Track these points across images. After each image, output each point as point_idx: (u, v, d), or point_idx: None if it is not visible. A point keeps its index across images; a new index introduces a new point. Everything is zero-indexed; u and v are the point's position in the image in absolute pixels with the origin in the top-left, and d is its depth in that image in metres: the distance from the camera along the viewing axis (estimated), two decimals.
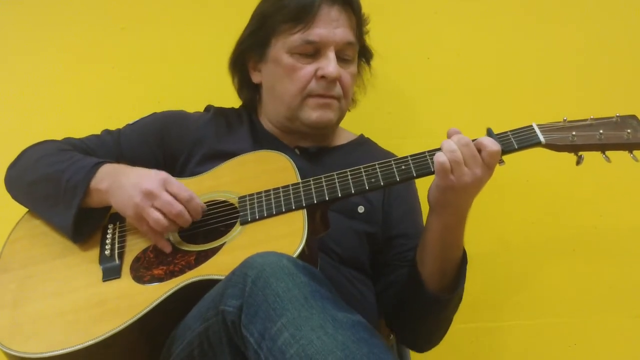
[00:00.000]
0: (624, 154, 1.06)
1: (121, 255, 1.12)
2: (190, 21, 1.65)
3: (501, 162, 1.06)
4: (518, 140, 1.06)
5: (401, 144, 1.42)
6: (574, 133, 1.06)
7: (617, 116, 1.07)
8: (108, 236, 1.15)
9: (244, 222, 1.10)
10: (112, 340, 0.98)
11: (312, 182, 1.11)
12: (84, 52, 1.64)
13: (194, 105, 1.40)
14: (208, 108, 1.40)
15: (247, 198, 1.13)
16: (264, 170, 1.19)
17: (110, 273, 1.09)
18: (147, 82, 1.64)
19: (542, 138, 1.06)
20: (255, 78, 1.34)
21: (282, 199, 1.11)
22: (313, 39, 1.23)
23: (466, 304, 1.27)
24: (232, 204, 1.15)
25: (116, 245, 1.14)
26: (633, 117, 1.08)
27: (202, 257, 1.07)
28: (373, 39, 1.37)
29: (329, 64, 1.23)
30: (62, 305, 1.05)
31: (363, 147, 1.39)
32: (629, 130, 1.05)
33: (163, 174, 1.10)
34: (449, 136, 1.06)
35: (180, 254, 1.10)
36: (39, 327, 1.02)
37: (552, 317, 1.64)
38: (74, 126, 1.37)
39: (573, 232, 1.63)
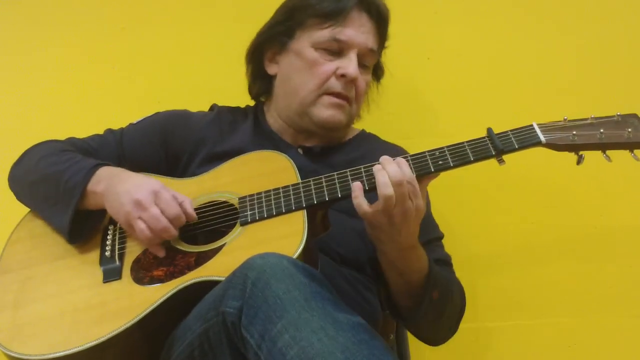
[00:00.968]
0: (624, 153, 1.06)
1: (121, 257, 1.12)
2: (190, 21, 1.65)
3: (502, 161, 1.06)
4: (518, 139, 1.06)
5: (401, 144, 1.42)
6: (574, 132, 1.05)
7: (618, 115, 1.07)
8: (108, 237, 1.16)
9: (244, 223, 1.10)
10: (112, 342, 0.98)
11: (312, 183, 1.11)
12: (84, 52, 1.64)
13: (194, 105, 1.40)
14: (212, 107, 1.40)
15: (247, 199, 1.13)
16: (264, 171, 1.19)
17: (111, 274, 1.09)
18: (147, 82, 1.64)
19: (542, 137, 1.06)
20: (271, 69, 1.34)
21: (282, 199, 1.11)
22: (341, 38, 1.24)
23: (466, 304, 1.27)
24: (232, 205, 1.15)
25: (116, 247, 1.14)
26: (634, 115, 1.08)
27: (202, 258, 1.07)
28: None
29: (351, 64, 1.24)
30: (63, 307, 1.05)
31: (366, 142, 1.39)
32: (629, 130, 1.04)
33: (156, 185, 1.10)
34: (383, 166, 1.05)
35: (180, 254, 1.10)
36: (40, 328, 1.02)
37: (552, 317, 1.63)
38: (75, 126, 1.37)
39: (573, 232, 1.63)
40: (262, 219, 1.10)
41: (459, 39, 1.65)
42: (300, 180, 1.13)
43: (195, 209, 1.13)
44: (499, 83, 1.65)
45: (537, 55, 1.64)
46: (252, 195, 1.13)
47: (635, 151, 1.06)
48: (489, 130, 1.08)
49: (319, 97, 1.26)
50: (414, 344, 1.42)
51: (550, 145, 1.06)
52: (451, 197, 1.54)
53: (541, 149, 1.08)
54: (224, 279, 0.94)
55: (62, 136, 1.31)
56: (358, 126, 1.43)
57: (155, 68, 1.64)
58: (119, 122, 1.35)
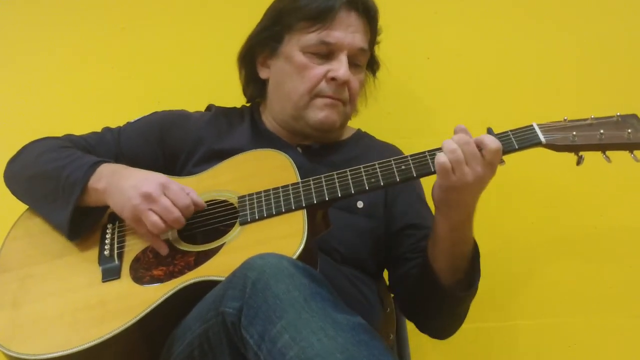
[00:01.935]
0: (624, 154, 1.06)
1: (120, 256, 1.12)
2: (190, 21, 1.65)
3: (501, 162, 1.06)
4: (518, 140, 1.06)
5: (401, 144, 1.42)
6: (574, 133, 1.05)
7: (618, 115, 1.07)
8: (107, 236, 1.15)
9: (243, 223, 1.10)
10: (111, 342, 0.98)
11: (311, 182, 1.11)
12: (84, 52, 1.64)
13: (193, 105, 1.40)
14: (210, 107, 1.40)
15: (247, 198, 1.13)
16: (263, 170, 1.19)
17: (110, 274, 1.09)
18: (147, 82, 1.64)
19: (542, 138, 1.05)
20: (263, 74, 1.34)
21: (281, 199, 1.10)
22: (329, 40, 1.23)
23: None
24: (231, 204, 1.15)
25: (115, 246, 1.14)
26: (634, 116, 1.07)
27: (202, 257, 1.07)
28: None
29: (341, 67, 1.23)
30: (62, 306, 1.05)
31: (363, 142, 1.39)
32: (629, 130, 1.04)
33: (162, 178, 1.10)
34: (455, 132, 1.06)
35: (179, 254, 1.10)
36: (39, 328, 1.02)
37: (552, 317, 1.63)
38: (74, 126, 1.37)
39: (573, 232, 1.63)
40: (261, 218, 1.10)
41: (459, 39, 1.65)
42: (299, 179, 1.13)
43: None
44: (499, 83, 1.65)
45: (537, 55, 1.64)
46: (252, 194, 1.13)
47: (635, 152, 1.05)
48: (489, 130, 1.08)
49: (311, 100, 1.26)
50: (414, 344, 1.42)
51: (550, 146, 1.06)
52: None
53: (541, 149, 1.07)
54: (223, 279, 0.94)
55: (60, 135, 1.31)
56: (357, 124, 1.43)
57: (155, 68, 1.64)
58: (118, 122, 1.35)
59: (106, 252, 1.12)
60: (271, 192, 1.12)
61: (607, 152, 1.06)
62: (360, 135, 1.42)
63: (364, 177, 1.09)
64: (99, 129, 1.34)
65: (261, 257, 0.90)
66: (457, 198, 1.05)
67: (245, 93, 1.41)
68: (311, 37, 1.24)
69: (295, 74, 1.26)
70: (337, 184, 1.10)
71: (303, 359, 0.77)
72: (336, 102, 1.26)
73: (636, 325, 1.62)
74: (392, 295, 1.33)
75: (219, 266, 1.04)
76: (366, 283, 1.26)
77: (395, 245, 1.27)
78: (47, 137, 1.29)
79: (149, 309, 1.00)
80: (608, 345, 1.63)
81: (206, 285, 0.98)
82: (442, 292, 1.13)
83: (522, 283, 1.64)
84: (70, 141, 1.27)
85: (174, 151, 1.28)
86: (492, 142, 1.02)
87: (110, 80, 1.63)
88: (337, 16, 1.23)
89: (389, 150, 1.39)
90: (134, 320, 0.99)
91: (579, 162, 1.07)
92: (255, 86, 1.37)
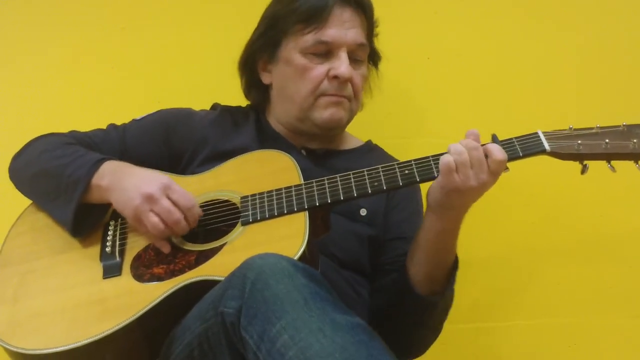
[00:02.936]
0: None
1: (122, 253, 1.12)
2: (190, 21, 1.65)
3: (506, 169, 1.05)
4: (523, 147, 1.06)
5: (401, 144, 1.42)
6: (579, 142, 1.05)
7: (624, 125, 1.06)
8: (109, 233, 1.16)
9: (245, 223, 1.10)
10: (111, 339, 0.98)
11: (314, 184, 1.11)
12: (84, 52, 1.64)
13: (193, 105, 1.40)
14: (215, 106, 1.40)
15: (249, 198, 1.13)
16: (266, 170, 1.19)
17: (111, 270, 1.09)
18: (147, 82, 1.64)
19: (547, 146, 1.05)
20: (266, 79, 1.34)
21: (284, 200, 1.10)
22: (325, 39, 1.23)
23: (466, 304, 1.27)
24: (234, 204, 1.15)
25: (117, 243, 1.14)
26: (639, 126, 1.07)
27: (203, 257, 1.07)
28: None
29: (342, 64, 1.23)
30: (63, 302, 1.05)
31: (371, 154, 1.38)
32: (635, 140, 1.03)
33: (165, 179, 1.10)
34: (467, 136, 1.05)
35: (181, 253, 1.10)
36: (39, 323, 1.03)
37: (552, 317, 1.63)
38: (74, 126, 1.36)
39: (573, 232, 1.63)
40: (263, 219, 1.10)
41: (459, 39, 1.65)
42: (302, 181, 1.13)
43: None
44: (499, 83, 1.65)
45: (537, 54, 1.64)
46: (254, 195, 1.13)
47: None
48: (494, 136, 1.08)
49: (316, 100, 1.26)
50: None
51: (555, 154, 1.06)
52: None
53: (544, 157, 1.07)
54: (223, 279, 0.94)
55: None
56: (357, 124, 1.42)
57: (155, 68, 1.64)
58: (119, 122, 1.35)
59: (108, 249, 1.13)
60: (274, 193, 1.12)
61: (612, 162, 1.06)
62: (370, 147, 1.41)
63: (367, 181, 1.09)
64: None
65: (260, 257, 0.90)
66: (454, 201, 1.05)
67: (247, 99, 1.40)
68: (308, 38, 1.24)
69: (296, 76, 1.26)
70: (339, 187, 1.10)
71: (302, 359, 0.77)
72: (341, 99, 1.26)
73: (636, 325, 1.62)
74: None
75: (220, 266, 1.04)
76: (366, 286, 1.26)
77: (380, 254, 1.27)
78: (52, 133, 1.29)
79: (148, 307, 1.00)
80: (608, 345, 1.63)
81: (206, 285, 0.99)
82: (413, 298, 1.12)
83: (522, 283, 1.64)
84: (74, 138, 1.27)
85: (179, 150, 1.28)
86: (499, 153, 1.02)
87: (110, 80, 1.63)
88: (331, 14, 1.23)
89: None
90: (133, 318, 0.99)
91: (583, 171, 1.06)
92: (257, 92, 1.37)
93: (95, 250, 1.14)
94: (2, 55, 1.62)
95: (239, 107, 1.41)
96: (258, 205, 1.11)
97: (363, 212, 1.25)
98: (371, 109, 1.42)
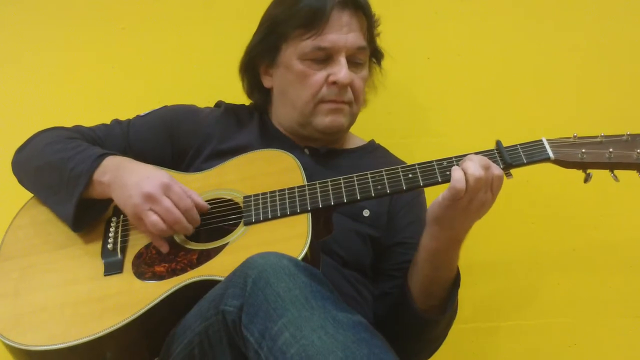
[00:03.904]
0: None
1: (124, 250, 1.12)
2: (190, 21, 1.65)
3: (509, 175, 1.06)
4: (527, 154, 1.06)
5: (401, 144, 1.42)
6: (583, 150, 1.05)
7: (628, 135, 1.06)
8: (111, 229, 1.15)
9: (248, 223, 1.10)
10: (110, 337, 0.98)
11: (317, 186, 1.11)
12: (84, 52, 1.64)
13: (194, 104, 1.40)
14: (219, 104, 1.40)
15: (252, 198, 1.13)
16: (270, 170, 1.18)
17: (112, 267, 1.09)
18: (147, 82, 1.64)
19: (551, 154, 1.05)
20: (267, 82, 1.33)
21: (287, 201, 1.10)
22: (324, 45, 1.22)
23: (466, 304, 1.27)
24: (237, 203, 1.15)
25: (119, 240, 1.14)
26: None
27: (205, 256, 1.07)
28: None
29: (341, 70, 1.22)
30: (63, 298, 1.05)
31: (374, 154, 1.38)
32: (638, 150, 1.04)
33: (166, 177, 1.09)
34: (470, 158, 1.03)
35: (182, 251, 1.10)
36: (39, 319, 1.03)
37: (552, 317, 1.63)
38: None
39: (573, 232, 1.63)
40: (266, 219, 1.10)
41: (459, 39, 1.65)
42: (305, 182, 1.13)
43: None
44: (499, 83, 1.65)
45: (537, 54, 1.65)
46: (257, 195, 1.13)
47: None
48: (498, 143, 1.08)
49: (316, 106, 1.25)
50: None
51: (559, 162, 1.06)
52: None
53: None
54: (224, 279, 0.94)
55: None
56: (357, 124, 1.42)
57: (155, 68, 1.64)
58: None
59: (109, 246, 1.12)
60: (277, 193, 1.12)
61: (615, 171, 1.06)
62: (373, 147, 1.41)
63: (371, 184, 1.09)
64: None
65: (262, 255, 0.90)
66: (453, 220, 1.04)
67: (250, 99, 1.40)
68: (306, 45, 1.23)
69: (296, 82, 1.25)
70: (343, 189, 1.09)
71: (304, 356, 0.77)
72: (340, 105, 1.25)
73: (636, 325, 1.62)
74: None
75: (221, 266, 1.04)
76: (368, 286, 1.26)
77: (383, 260, 1.27)
78: (56, 127, 1.29)
79: (149, 306, 1.00)
80: (608, 345, 1.63)
81: (207, 284, 0.99)
82: (412, 314, 1.12)
83: (523, 283, 1.64)
84: (78, 132, 1.27)
85: (183, 147, 1.28)
86: (496, 170, 1.02)
87: (111, 80, 1.63)
88: (329, 19, 1.22)
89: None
90: (134, 316, 0.99)
91: (586, 180, 1.06)
92: (259, 95, 1.36)
93: (97, 246, 1.13)
94: (2, 55, 1.62)
95: (242, 106, 1.41)
96: (261, 206, 1.11)
97: (366, 213, 1.24)
98: (371, 108, 1.42)
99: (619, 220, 1.63)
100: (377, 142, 1.43)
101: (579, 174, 1.08)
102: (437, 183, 1.06)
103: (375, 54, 1.36)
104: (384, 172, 1.09)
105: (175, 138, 1.28)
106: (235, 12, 1.64)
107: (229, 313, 0.86)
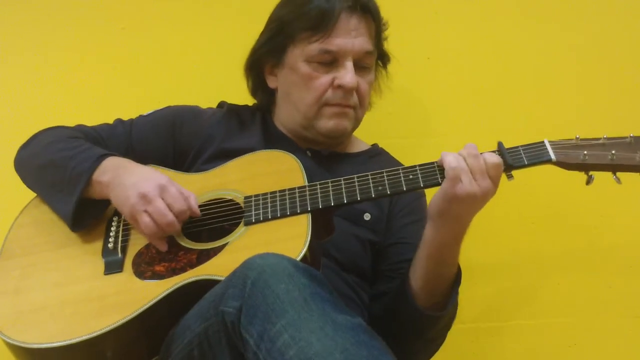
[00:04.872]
0: None
1: (124, 249, 1.12)
2: (190, 21, 1.65)
3: (510, 177, 1.06)
4: (528, 156, 1.06)
5: (401, 144, 1.42)
6: (585, 152, 1.04)
7: (631, 136, 1.05)
8: (112, 229, 1.16)
9: (248, 223, 1.10)
10: (110, 336, 0.98)
11: (318, 186, 1.11)
12: (85, 52, 1.64)
13: (196, 105, 1.40)
14: (221, 104, 1.40)
15: (253, 198, 1.13)
16: (271, 171, 1.18)
17: (112, 267, 1.10)
18: (147, 82, 1.64)
19: (553, 156, 1.05)
20: (272, 83, 1.33)
21: (287, 201, 1.10)
22: (331, 49, 1.22)
23: (466, 304, 1.27)
24: (237, 204, 1.15)
25: (119, 239, 1.14)
26: None
27: (204, 256, 1.07)
28: None
29: (347, 74, 1.22)
30: (63, 297, 1.06)
31: (377, 158, 1.37)
32: None
33: (163, 179, 1.10)
34: (465, 147, 1.05)
35: (182, 251, 1.10)
36: (40, 317, 1.03)
37: (552, 317, 1.63)
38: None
39: (573, 232, 1.63)
40: (266, 220, 1.10)
41: (459, 39, 1.65)
42: (306, 183, 1.13)
43: (200, 206, 1.13)
44: (499, 83, 1.65)
45: (538, 54, 1.65)
46: (258, 195, 1.13)
47: None
48: (500, 144, 1.07)
49: (320, 109, 1.25)
50: None
51: (561, 164, 1.06)
52: None
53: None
54: (223, 279, 0.94)
55: None
56: (362, 121, 1.42)
57: (156, 68, 1.64)
58: None
59: (110, 245, 1.13)
60: (277, 194, 1.12)
61: (617, 173, 1.05)
62: (376, 151, 1.41)
63: (371, 185, 1.09)
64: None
65: (261, 256, 0.90)
66: (456, 210, 1.03)
67: (254, 98, 1.40)
68: (314, 47, 1.22)
69: (301, 84, 1.25)
70: (343, 190, 1.09)
71: (302, 358, 0.77)
72: (345, 109, 1.25)
73: (636, 325, 1.62)
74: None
75: (221, 266, 1.04)
76: (366, 290, 1.26)
77: (380, 261, 1.27)
78: (59, 126, 1.30)
79: (148, 305, 1.01)
80: (608, 345, 1.63)
81: (207, 284, 0.99)
82: (413, 311, 1.11)
83: (523, 283, 1.64)
84: (80, 131, 1.27)
85: (185, 147, 1.28)
86: (494, 157, 1.02)
87: (111, 80, 1.63)
88: (337, 23, 1.21)
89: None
90: (133, 315, 1.00)
91: (588, 182, 1.06)
92: (263, 95, 1.36)
93: (98, 245, 1.14)
94: (2, 55, 1.62)
95: (245, 106, 1.41)
96: (261, 206, 1.11)
97: (367, 216, 1.24)
98: (371, 109, 1.42)
99: (619, 220, 1.63)
100: (378, 142, 1.43)
101: (579, 175, 1.08)
102: (438, 184, 1.06)
103: (382, 58, 1.36)
104: (384, 173, 1.09)
105: (177, 138, 1.29)
106: (235, 11, 1.64)
107: (228, 314, 0.86)
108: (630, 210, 1.62)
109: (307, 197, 1.10)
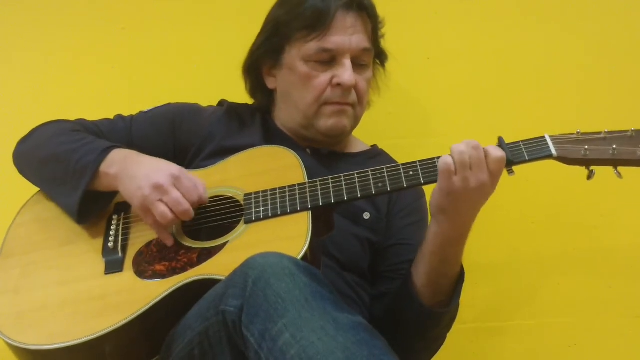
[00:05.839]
0: None
1: (124, 248, 1.12)
2: (190, 21, 1.65)
3: (511, 172, 1.05)
4: (529, 151, 1.05)
5: (401, 144, 1.42)
6: (586, 147, 1.04)
7: (632, 131, 1.05)
8: (112, 227, 1.16)
9: (248, 221, 1.10)
10: (110, 336, 0.98)
11: (318, 184, 1.11)
12: (84, 52, 1.64)
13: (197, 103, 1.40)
14: (222, 102, 1.40)
15: (253, 196, 1.13)
16: (271, 167, 1.18)
17: (113, 266, 1.09)
18: (147, 81, 1.64)
19: (554, 151, 1.05)
20: (270, 83, 1.33)
21: (287, 199, 1.10)
22: (329, 47, 1.22)
23: (466, 304, 1.27)
24: (237, 201, 1.15)
25: (120, 238, 1.14)
26: None
27: (205, 254, 1.07)
28: None
29: (345, 72, 1.22)
30: (64, 296, 1.05)
31: (377, 159, 1.37)
32: None
33: (175, 169, 1.10)
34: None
35: (183, 250, 1.10)
36: (40, 317, 1.03)
37: (552, 317, 1.63)
38: None
39: (573, 232, 1.63)
40: (266, 218, 1.10)
41: (459, 39, 1.65)
42: (306, 179, 1.13)
43: None
44: (499, 83, 1.65)
45: (538, 54, 1.64)
46: (258, 192, 1.13)
47: None
48: (500, 139, 1.07)
49: (320, 108, 1.25)
50: None
51: (562, 159, 1.05)
52: None
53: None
54: (224, 278, 0.94)
55: None
56: (362, 121, 1.42)
57: (155, 68, 1.64)
58: None
59: (110, 244, 1.13)
60: (277, 191, 1.12)
61: (619, 168, 1.05)
62: (376, 152, 1.41)
63: (371, 181, 1.08)
64: None
65: (262, 255, 0.90)
66: (455, 205, 1.03)
67: (253, 99, 1.40)
68: (311, 46, 1.23)
69: (300, 84, 1.25)
70: (343, 187, 1.09)
71: (304, 357, 0.77)
72: (344, 107, 1.25)
73: (636, 325, 1.62)
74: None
75: (221, 265, 1.04)
76: (366, 289, 1.25)
77: (380, 261, 1.27)
78: (59, 119, 1.29)
79: (149, 305, 1.01)
80: (608, 345, 1.63)
81: (207, 284, 0.99)
82: (417, 309, 1.11)
83: (523, 283, 1.64)
84: (81, 125, 1.27)
85: (185, 144, 1.28)
86: (497, 151, 1.01)
87: (111, 80, 1.63)
88: (334, 21, 1.22)
89: None
90: (134, 315, 1.00)
91: (589, 177, 1.05)
92: (262, 96, 1.37)
93: (98, 244, 1.13)
94: (2, 55, 1.62)
95: (245, 105, 1.41)
96: (261, 204, 1.11)
97: (366, 215, 1.24)
98: (371, 108, 1.42)
99: (619, 220, 1.63)
100: (377, 143, 1.43)
101: (579, 173, 1.08)
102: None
103: (379, 56, 1.36)
104: (384, 170, 1.09)
105: (178, 136, 1.29)
106: (235, 11, 1.64)
107: (229, 313, 0.86)
108: (631, 210, 1.62)
109: (308, 195, 1.10)
